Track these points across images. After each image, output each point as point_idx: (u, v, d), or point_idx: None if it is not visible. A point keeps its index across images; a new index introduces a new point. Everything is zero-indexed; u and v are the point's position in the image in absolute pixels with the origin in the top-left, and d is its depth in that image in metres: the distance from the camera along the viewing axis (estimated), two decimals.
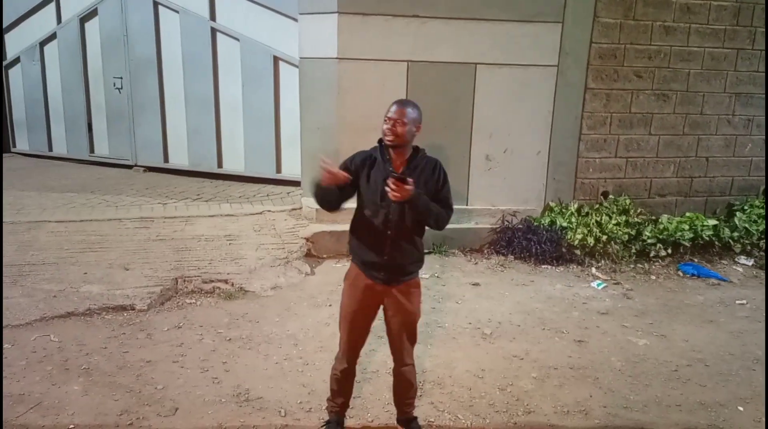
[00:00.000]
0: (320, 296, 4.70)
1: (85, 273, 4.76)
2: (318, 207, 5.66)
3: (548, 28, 5.70)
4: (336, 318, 2.86)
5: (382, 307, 2.80)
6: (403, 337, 2.81)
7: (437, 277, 5.23)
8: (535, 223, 5.86)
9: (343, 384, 2.90)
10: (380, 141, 2.69)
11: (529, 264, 5.60)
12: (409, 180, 2.46)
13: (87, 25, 8.03)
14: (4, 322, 3.96)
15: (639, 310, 4.78)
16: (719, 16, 6.10)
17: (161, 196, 6.80)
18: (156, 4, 7.43)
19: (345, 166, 2.65)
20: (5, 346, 3.72)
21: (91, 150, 8.44)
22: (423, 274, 5.10)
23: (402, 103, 2.62)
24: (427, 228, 2.75)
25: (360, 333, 2.82)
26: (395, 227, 2.64)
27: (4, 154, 8.86)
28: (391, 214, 2.62)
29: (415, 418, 3.05)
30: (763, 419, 3.30)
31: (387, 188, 2.45)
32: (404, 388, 2.95)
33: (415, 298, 2.80)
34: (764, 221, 6.11)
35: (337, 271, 5.23)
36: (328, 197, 2.61)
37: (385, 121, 2.60)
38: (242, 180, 7.43)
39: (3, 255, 4.91)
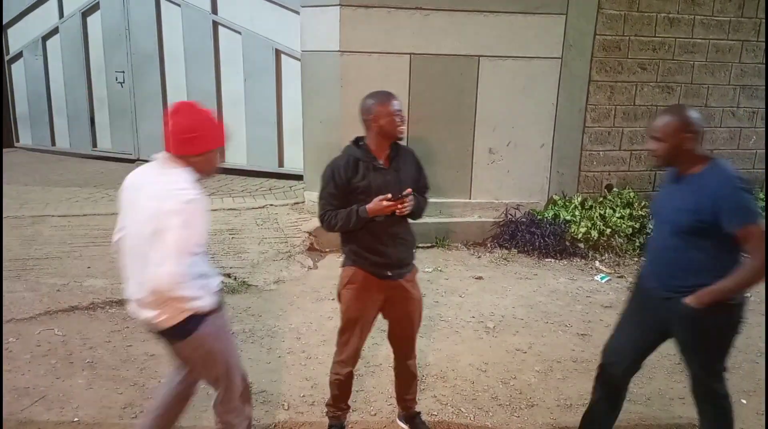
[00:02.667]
0: (323, 290, 4.70)
1: (89, 267, 4.77)
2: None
3: (552, 20, 5.67)
4: (338, 312, 2.85)
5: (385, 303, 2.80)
6: (414, 326, 2.85)
7: (440, 270, 5.23)
8: (539, 217, 5.84)
9: (345, 388, 2.89)
10: (356, 141, 2.70)
11: (533, 257, 5.60)
12: (407, 191, 2.57)
13: (89, 19, 8.03)
14: (9, 316, 3.98)
15: None
16: (724, 7, 6.05)
17: None
18: None
19: (336, 188, 2.61)
20: (10, 339, 3.73)
21: (94, 144, 8.45)
22: (426, 267, 5.15)
23: (395, 96, 2.69)
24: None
25: (367, 335, 2.83)
26: (397, 223, 2.66)
27: (8, 149, 8.88)
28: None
29: (419, 413, 3.05)
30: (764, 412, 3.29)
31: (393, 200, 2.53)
32: (409, 382, 2.97)
33: (418, 285, 2.85)
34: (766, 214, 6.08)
35: (339, 264, 5.22)
36: (355, 228, 2.64)
37: (395, 116, 2.61)
38: (244, 174, 7.43)
39: (7, 249, 4.93)
